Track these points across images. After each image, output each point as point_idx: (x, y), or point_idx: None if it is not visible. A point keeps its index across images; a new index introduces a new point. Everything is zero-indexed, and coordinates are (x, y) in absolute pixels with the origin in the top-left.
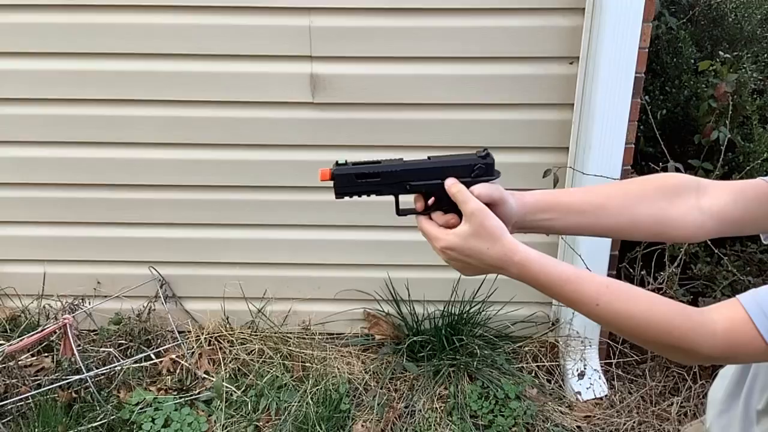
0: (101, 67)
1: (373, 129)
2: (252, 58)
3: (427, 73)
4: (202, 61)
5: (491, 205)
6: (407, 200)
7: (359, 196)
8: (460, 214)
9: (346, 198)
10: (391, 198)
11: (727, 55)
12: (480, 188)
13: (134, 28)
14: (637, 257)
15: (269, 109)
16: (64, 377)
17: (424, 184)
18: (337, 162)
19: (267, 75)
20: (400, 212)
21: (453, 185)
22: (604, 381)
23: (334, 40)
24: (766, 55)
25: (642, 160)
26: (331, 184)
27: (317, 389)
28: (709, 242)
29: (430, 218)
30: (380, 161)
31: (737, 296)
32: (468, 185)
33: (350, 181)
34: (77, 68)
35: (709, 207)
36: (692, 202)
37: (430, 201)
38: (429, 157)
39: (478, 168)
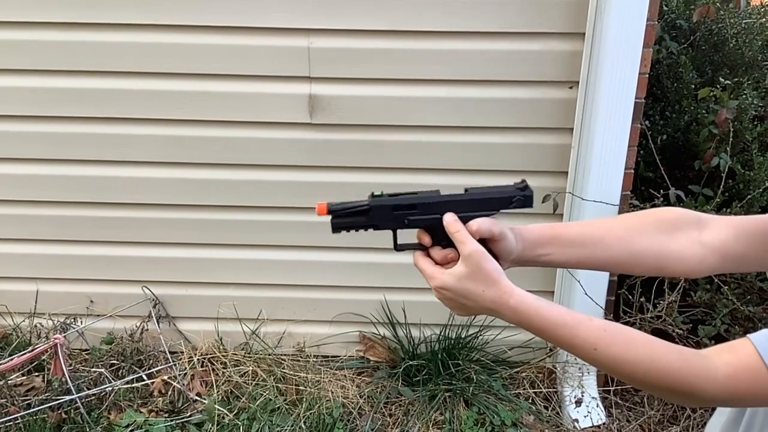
0: (97, 85)
1: (371, 150)
2: (251, 78)
3: (427, 95)
4: (201, 80)
5: (490, 240)
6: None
7: (357, 230)
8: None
9: (343, 232)
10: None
11: (728, 81)
12: (480, 223)
13: (131, 46)
14: (636, 284)
15: (267, 129)
16: (54, 398)
17: (422, 219)
18: (372, 193)
19: (265, 95)
20: (399, 247)
21: (451, 224)
22: (602, 408)
23: (333, 61)
24: (766, 82)
25: (642, 185)
26: (327, 218)
27: (311, 413)
28: None
29: (428, 254)
30: (416, 192)
31: (748, 336)
32: (466, 219)
33: (387, 213)
34: (73, 86)
35: (711, 241)
36: (693, 236)
37: (428, 239)
38: (466, 189)
39: (516, 200)
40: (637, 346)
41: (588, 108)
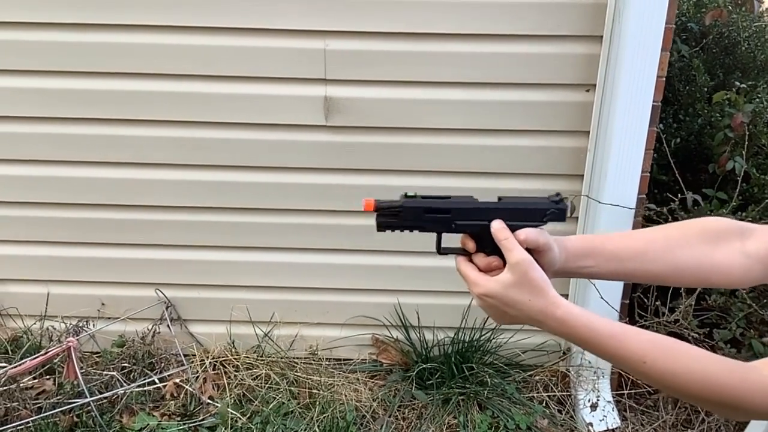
0: (109, 86)
1: (386, 153)
2: (266, 80)
3: (442, 98)
4: (215, 82)
5: (536, 251)
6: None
7: (401, 230)
8: (503, 257)
9: (388, 231)
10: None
11: (743, 85)
12: (527, 233)
13: (146, 48)
14: (651, 287)
15: (282, 131)
16: (66, 401)
17: (469, 224)
18: (406, 194)
19: (281, 97)
20: (442, 251)
21: (500, 231)
22: (617, 412)
23: (348, 63)
24: None
25: (655, 188)
26: (373, 215)
27: (324, 417)
28: None
29: (470, 260)
30: (450, 197)
31: None
32: (513, 228)
33: (418, 215)
34: (84, 87)
35: (756, 251)
36: (737, 246)
37: (472, 244)
38: (499, 198)
39: (550, 213)
40: (686, 360)
41: (605, 111)
